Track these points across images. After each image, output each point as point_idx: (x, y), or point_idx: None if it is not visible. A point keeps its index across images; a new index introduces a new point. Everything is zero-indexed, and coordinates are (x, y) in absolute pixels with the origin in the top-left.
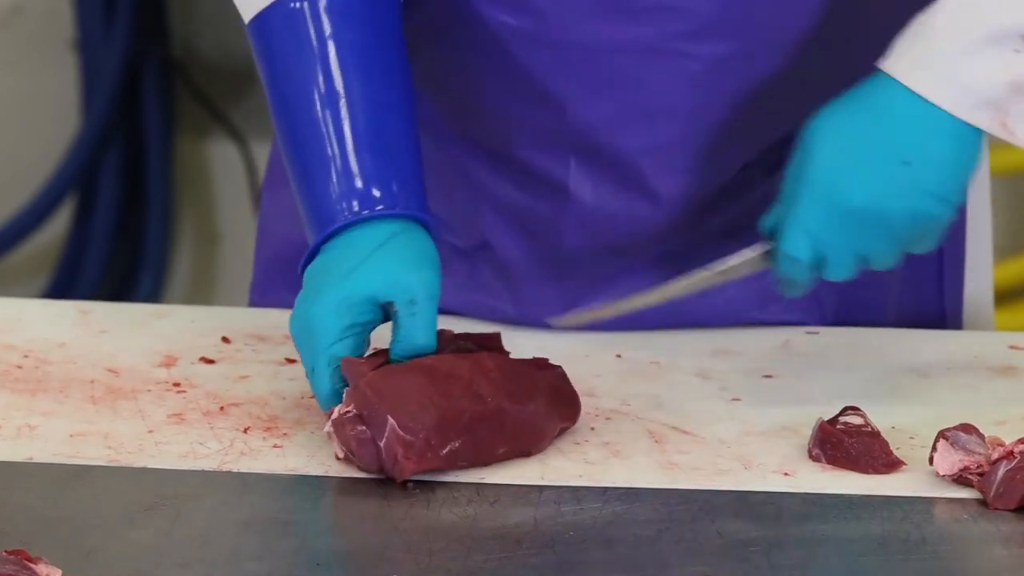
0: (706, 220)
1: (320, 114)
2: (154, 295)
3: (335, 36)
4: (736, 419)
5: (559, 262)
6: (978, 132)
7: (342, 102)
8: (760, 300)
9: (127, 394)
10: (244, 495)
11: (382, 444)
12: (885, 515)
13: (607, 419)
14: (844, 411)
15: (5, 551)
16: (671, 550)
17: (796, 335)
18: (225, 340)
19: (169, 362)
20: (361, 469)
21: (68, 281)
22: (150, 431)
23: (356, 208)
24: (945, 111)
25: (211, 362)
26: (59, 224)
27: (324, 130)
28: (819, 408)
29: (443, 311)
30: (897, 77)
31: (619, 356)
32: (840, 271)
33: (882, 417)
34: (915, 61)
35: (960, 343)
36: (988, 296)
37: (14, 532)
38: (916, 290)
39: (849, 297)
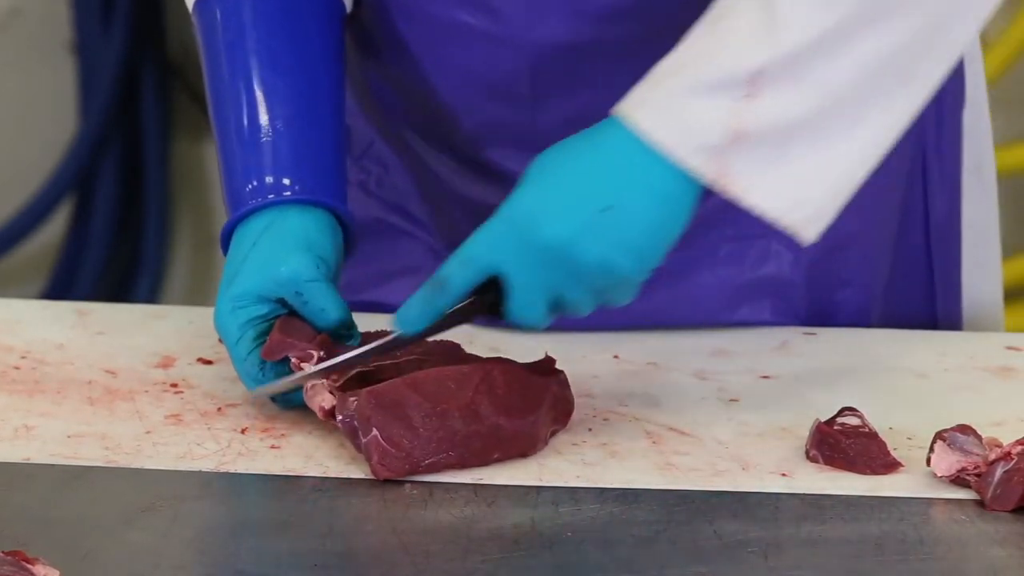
0: None
1: (219, 102)
2: (152, 296)
3: (250, 24)
4: (734, 420)
5: None
6: (690, 191)
7: (233, 92)
8: (732, 301)
9: (125, 395)
10: (242, 496)
11: (363, 442)
12: (883, 516)
13: (605, 420)
14: (842, 412)
15: (3, 552)
16: (669, 551)
17: (794, 336)
18: (223, 341)
19: (167, 363)
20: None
21: (66, 282)
22: (148, 432)
23: (246, 194)
24: (662, 154)
25: (209, 363)
26: (57, 225)
27: (221, 120)
28: (817, 409)
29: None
30: (622, 115)
31: (616, 357)
32: (523, 307)
33: (880, 418)
34: (641, 99)
35: (958, 344)
36: (996, 297)
37: (12, 533)
38: (904, 295)
39: (824, 301)
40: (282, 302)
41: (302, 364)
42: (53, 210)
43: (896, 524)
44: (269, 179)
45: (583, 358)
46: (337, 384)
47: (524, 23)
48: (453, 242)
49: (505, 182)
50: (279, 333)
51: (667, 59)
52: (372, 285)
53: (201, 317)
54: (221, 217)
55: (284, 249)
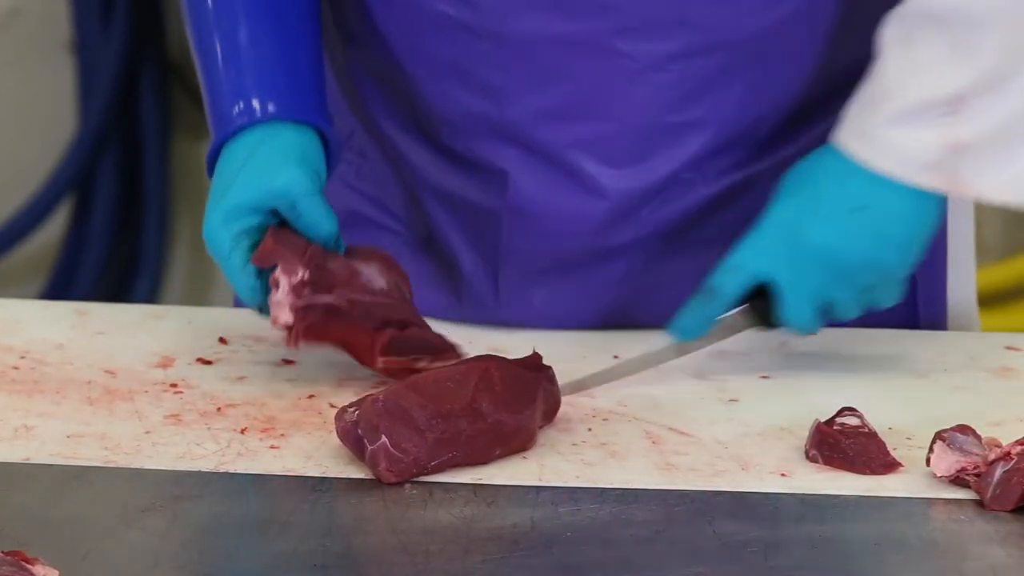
0: (645, 215)
1: (201, 28)
2: (151, 296)
3: None
4: (733, 420)
5: (501, 255)
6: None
7: (217, 16)
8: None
9: (124, 395)
10: (241, 496)
11: (369, 450)
12: (882, 516)
13: (604, 420)
14: (841, 412)
15: (3, 552)
16: (668, 551)
17: (793, 336)
18: (222, 341)
19: (166, 363)
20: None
21: (65, 282)
22: (147, 432)
23: (233, 116)
24: (889, 178)
25: (208, 363)
26: (56, 225)
27: (205, 45)
28: (816, 409)
29: None
30: (843, 147)
31: (616, 357)
32: (796, 313)
33: (879, 418)
34: (856, 133)
35: (957, 344)
36: (972, 299)
37: (11, 533)
38: (920, 294)
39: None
40: (275, 214)
41: (282, 279)
42: (52, 210)
43: (896, 524)
44: (257, 100)
45: (583, 358)
46: (300, 305)
47: (500, 14)
48: (427, 236)
49: (481, 173)
50: (272, 241)
51: (868, 87)
52: None
53: (201, 317)
54: None
55: (280, 162)
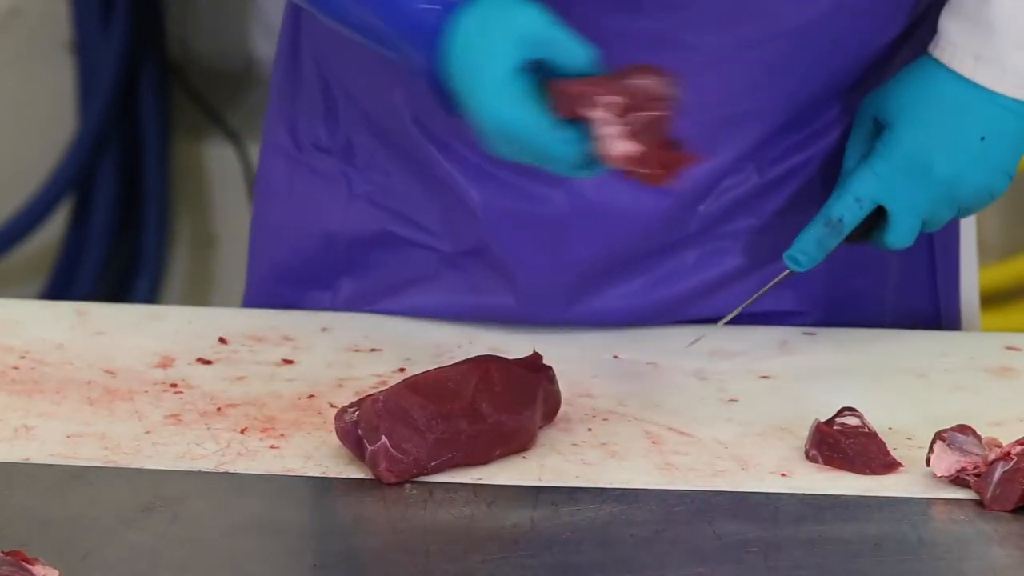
0: (698, 209)
1: None
2: (151, 296)
3: None
4: (733, 420)
5: (564, 258)
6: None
7: None
8: (752, 293)
9: (124, 395)
10: (241, 496)
11: (369, 450)
12: (882, 516)
13: (604, 420)
14: (841, 412)
15: (2, 552)
16: (668, 551)
17: (793, 336)
18: (222, 341)
19: (166, 363)
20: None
21: (65, 282)
22: (147, 432)
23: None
24: (1007, 101)
25: (208, 363)
26: (56, 225)
27: None
28: (816, 409)
29: (440, 317)
30: (963, 72)
31: (616, 357)
32: (904, 234)
33: (879, 418)
34: (978, 57)
35: (957, 344)
36: (976, 297)
37: (11, 533)
38: (911, 291)
39: (843, 290)
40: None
41: (599, 113)
42: (52, 210)
43: (896, 524)
44: None
45: (583, 358)
46: (635, 129)
47: (566, 16)
48: (478, 245)
49: (540, 178)
50: (567, 84)
51: (985, 10)
52: (383, 296)
53: (201, 317)
54: (221, 217)
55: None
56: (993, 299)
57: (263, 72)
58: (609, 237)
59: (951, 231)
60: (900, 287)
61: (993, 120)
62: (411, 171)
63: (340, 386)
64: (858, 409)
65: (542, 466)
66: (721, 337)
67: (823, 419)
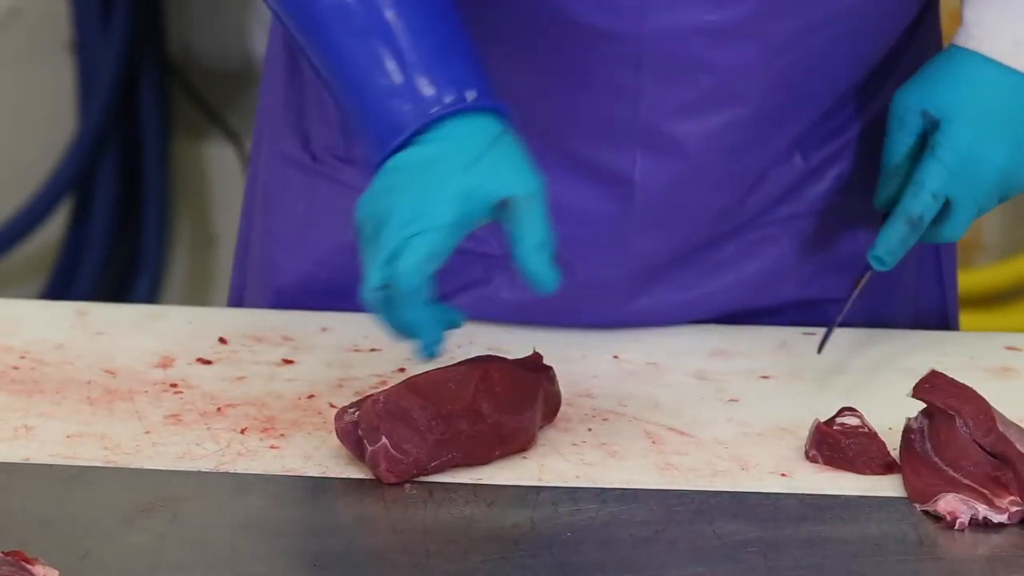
0: (747, 201)
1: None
2: (151, 296)
3: None
4: (733, 420)
5: (625, 257)
6: None
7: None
8: (798, 280)
9: (124, 395)
10: (241, 496)
11: (369, 450)
12: (882, 516)
13: (604, 420)
14: (841, 412)
15: (2, 552)
16: (668, 551)
17: (794, 336)
18: (222, 341)
19: (166, 363)
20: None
21: (65, 282)
22: (147, 432)
23: (455, 100)
24: None
25: (208, 363)
26: (56, 225)
27: (391, 25)
28: (816, 409)
29: (493, 320)
30: (999, 58)
31: (616, 357)
32: (959, 227)
33: (879, 418)
34: (1016, 41)
35: (957, 344)
36: (956, 301)
37: (11, 533)
38: (923, 288)
39: (881, 285)
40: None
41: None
42: (52, 210)
43: (895, 524)
44: (485, 81)
45: (583, 358)
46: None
47: (639, 13)
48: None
49: (602, 178)
50: None
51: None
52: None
53: (201, 317)
54: (221, 217)
55: (526, 155)
56: (993, 299)
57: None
58: (666, 234)
59: None
60: (917, 282)
61: None
62: None
63: (340, 386)
64: (858, 409)
65: (542, 466)
66: (721, 337)
67: (823, 419)
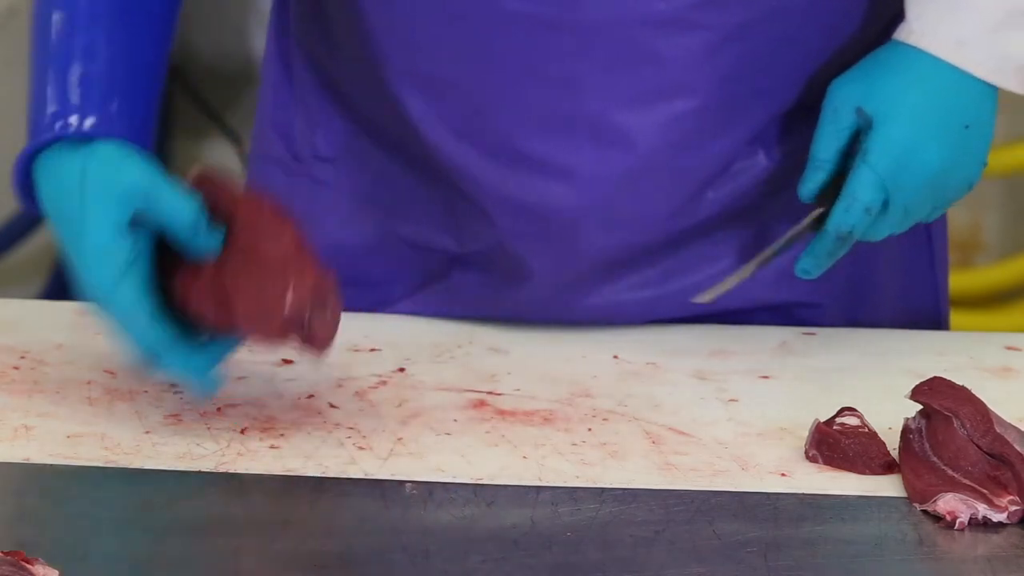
0: (707, 195)
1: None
2: None
3: None
4: (733, 420)
5: (575, 254)
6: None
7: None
8: (764, 281)
9: (124, 395)
10: (241, 496)
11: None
12: (882, 516)
13: (604, 420)
14: (841, 412)
15: (2, 552)
16: (668, 551)
17: (794, 336)
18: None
19: None
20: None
21: (65, 282)
22: (147, 432)
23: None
24: (985, 84)
25: None
26: None
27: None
28: (816, 409)
29: (450, 316)
30: (939, 55)
31: (616, 357)
32: (889, 228)
33: (879, 418)
34: (959, 40)
35: (957, 344)
36: (947, 298)
37: (11, 533)
38: (914, 286)
39: (856, 284)
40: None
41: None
42: None
43: (896, 524)
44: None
45: (583, 358)
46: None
47: (576, 1)
48: (493, 244)
49: (548, 171)
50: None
51: None
52: (392, 301)
53: None
54: None
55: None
56: (993, 299)
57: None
58: (621, 230)
59: (941, 227)
60: (904, 282)
61: (975, 107)
62: (414, 173)
63: (340, 386)
64: (858, 409)
65: (542, 466)
66: (721, 337)
67: (823, 419)
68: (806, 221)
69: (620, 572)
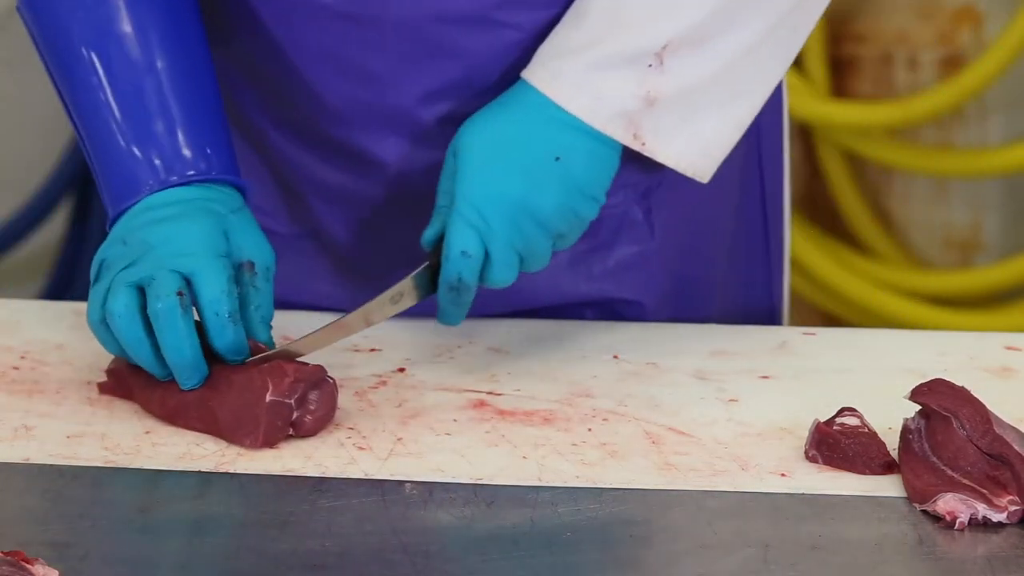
0: None
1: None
2: None
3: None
4: (733, 420)
5: (389, 246)
6: (600, 138)
7: (143, 69)
8: (588, 277)
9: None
10: (241, 496)
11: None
12: (882, 516)
13: (604, 420)
14: (841, 412)
15: (2, 552)
16: (668, 551)
17: (793, 336)
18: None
19: None
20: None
21: (65, 282)
22: (147, 432)
23: (204, 169)
24: (580, 121)
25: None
26: (56, 226)
27: (143, 99)
28: (816, 409)
29: (278, 304)
30: (537, 87)
31: (616, 357)
32: (503, 270)
33: (879, 418)
34: (555, 73)
35: (957, 344)
36: (787, 292)
37: (11, 533)
38: (749, 282)
39: (681, 279)
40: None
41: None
42: (52, 210)
43: (896, 524)
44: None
45: (583, 358)
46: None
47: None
48: (312, 228)
49: (363, 163)
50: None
51: (575, 28)
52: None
53: None
54: None
55: (261, 229)
56: (993, 299)
57: None
58: (420, 217)
59: (778, 222)
60: (743, 279)
61: (568, 141)
62: (257, 155)
63: (340, 386)
64: (857, 409)
65: (542, 466)
66: (721, 337)
67: (823, 419)
68: (411, 275)
69: (620, 572)
